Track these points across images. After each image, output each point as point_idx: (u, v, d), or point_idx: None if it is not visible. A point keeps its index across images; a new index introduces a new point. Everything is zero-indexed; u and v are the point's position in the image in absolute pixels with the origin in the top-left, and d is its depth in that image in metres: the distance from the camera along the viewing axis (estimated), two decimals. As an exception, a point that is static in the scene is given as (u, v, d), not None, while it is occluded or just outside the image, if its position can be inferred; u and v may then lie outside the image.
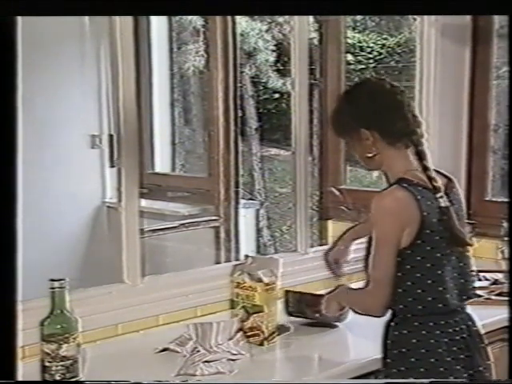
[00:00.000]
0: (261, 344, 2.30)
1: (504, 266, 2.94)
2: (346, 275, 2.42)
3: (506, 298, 2.43)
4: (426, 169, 2.00)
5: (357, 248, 2.34)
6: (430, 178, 1.99)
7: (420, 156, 2.01)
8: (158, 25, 4.46)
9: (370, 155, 2.01)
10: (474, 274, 2.13)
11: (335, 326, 2.46)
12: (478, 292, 2.15)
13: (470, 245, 2.06)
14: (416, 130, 2.01)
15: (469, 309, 2.07)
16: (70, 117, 3.88)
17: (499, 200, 3.25)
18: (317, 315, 2.40)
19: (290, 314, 2.50)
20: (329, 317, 2.35)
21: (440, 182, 2.01)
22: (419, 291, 1.95)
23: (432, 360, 1.94)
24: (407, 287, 1.95)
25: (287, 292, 2.51)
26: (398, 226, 1.92)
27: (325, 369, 2.14)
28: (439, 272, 1.96)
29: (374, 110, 1.99)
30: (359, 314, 2.16)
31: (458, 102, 3.29)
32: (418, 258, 1.94)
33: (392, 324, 2.01)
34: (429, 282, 1.95)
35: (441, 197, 1.97)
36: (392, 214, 1.93)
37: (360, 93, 2.06)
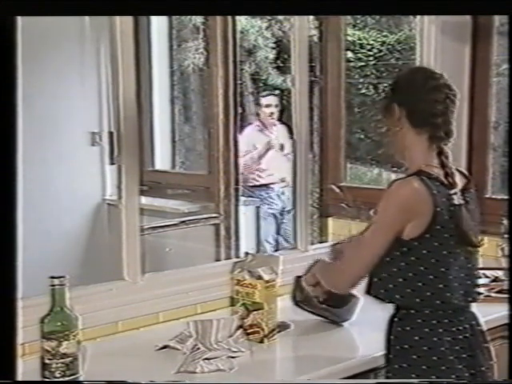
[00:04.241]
0: (261, 341, 2.31)
1: (504, 263, 2.94)
2: None
3: (506, 296, 2.42)
4: (444, 164, 2.02)
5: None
6: (448, 174, 2.00)
7: (441, 151, 2.03)
8: (158, 22, 4.46)
9: (396, 129, 2.04)
10: (478, 275, 2.15)
11: (337, 322, 2.47)
12: (480, 290, 2.16)
13: (478, 245, 2.07)
14: (441, 124, 2.02)
15: (473, 308, 2.07)
16: (71, 114, 3.88)
17: (499, 197, 3.25)
18: (323, 306, 2.41)
19: (296, 303, 2.49)
20: (333, 310, 2.40)
21: (457, 179, 2.03)
22: (419, 284, 1.96)
23: (434, 358, 1.95)
24: (408, 278, 1.96)
25: (298, 278, 2.49)
26: (402, 216, 1.95)
27: (324, 366, 2.14)
28: (443, 269, 1.96)
29: (409, 89, 2.05)
30: (327, 288, 2.23)
31: (458, 100, 3.28)
32: (424, 252, 1.95)
33: (395, 319, 2.02)
34: (431, 277, 1.96)
35: (455, 193, 1.98)
36: (401, 203, 1.96)
37: (408, 74, 2.17)
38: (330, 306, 2.45)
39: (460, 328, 1.99)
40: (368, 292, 2.06)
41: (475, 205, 2.08)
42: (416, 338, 1.97)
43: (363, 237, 2.05)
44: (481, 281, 2.76)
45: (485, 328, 2.10)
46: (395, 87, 2.10)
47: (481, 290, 2.60)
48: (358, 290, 2.48)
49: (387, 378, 2.03)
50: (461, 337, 1.99)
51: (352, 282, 2.07)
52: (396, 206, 1.97)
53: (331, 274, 2.19)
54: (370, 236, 2.03)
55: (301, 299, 2.48)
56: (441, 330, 1.97)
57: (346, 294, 2.43)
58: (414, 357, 1.96)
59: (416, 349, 1.97)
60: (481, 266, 2.17)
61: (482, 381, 2.01)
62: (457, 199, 1.98)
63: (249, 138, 5.26)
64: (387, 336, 2.03)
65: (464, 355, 1.98)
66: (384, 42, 6.32)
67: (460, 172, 2.09)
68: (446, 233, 1.95)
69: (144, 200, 2.93)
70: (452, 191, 1.98)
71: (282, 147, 5.08)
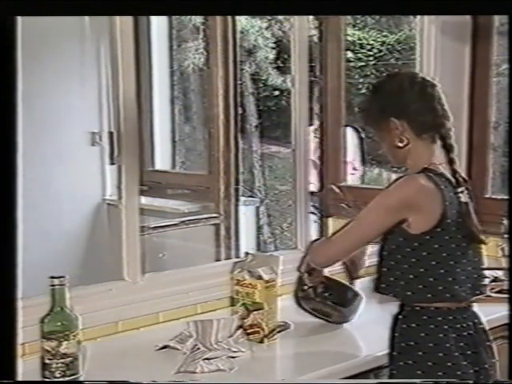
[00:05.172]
0: (261, 341, 2.31)
1: (504, 263, 2.94)
2: (360, 276, 2.43)
3: (506, 296, 2.42)
4: (452, 162, 2.03)
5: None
6: (455, 172, 2.02)
7: (447, 149, 2.04)
8: (158, 22, 4.45)
9: (400, 144, 2.02)
10: (485, 270, 2.16)
11: (337, 322, 2.46)
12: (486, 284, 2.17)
13: (484, 243, 2.08)
14: (445, 123, 2.03)
15: (475, 307, 2.08)
16: (71, 114, 3.88)
17: (499, 197, 3.24)
18: (328, 302, 2.43)
19: (298, 301, 2.49)
20: (337, 308, 2.43)
21: (463, 178, 2.04)
22: (431, 279, 1.97)
23: (440, 354, 1.96)
24: (419, 274, 1.97)
25: (300, 274, 2.47)
26: (400, 210, 1.96)
27: (324, 366, 2.14)
28: (452, 262, 1.97)
29: (403, 100, 2.02)
30: (310, 262, 2.28)
31: (458, 100, 3.29)
32: (436, 246, 1.96)
33: (400, 317, 2.03)
34: (441, 271, 1.97)
35: (461, 192, 2.00)
36: (403, 197, 1.97)
37: (390, 84, 2.10)
38: (333, 303, 2.45)
39: (464, 325, 2.00)
40: (377, 290, 2.06)
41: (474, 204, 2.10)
42: (422, 334, 1.98)
43: (355, 219, 2.08)
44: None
45: (487, 327, 2.11)
46: (384, 101, 2.05)
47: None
48: (361, 290, 2.50)
49: (390, 376, 2.03)
50: (465, 333, 2.00)
51: (331, 259, 2.16)
52: (397, 198, 1.99)
53: (315, 249, 2.24)
54: (361, 220, 2.07)
55: (302, 296, 2.48)
56: (446, 327, 1.97)
57: (349, 292, 2.44)
58: (420, 353, 1.97)
59: (422, 345, 1.97)
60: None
61: (482, 381, 2.01)
62: (463, 197, 2.00)
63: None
64: (391, 334, 2.04)
65: (468, 352, 1.99)
66: (384, 42, 6.31)
67: None
68: (454, 227, 1.97)
69: (144, 200, 2.93)
70: (459, 189, 2.00)
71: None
